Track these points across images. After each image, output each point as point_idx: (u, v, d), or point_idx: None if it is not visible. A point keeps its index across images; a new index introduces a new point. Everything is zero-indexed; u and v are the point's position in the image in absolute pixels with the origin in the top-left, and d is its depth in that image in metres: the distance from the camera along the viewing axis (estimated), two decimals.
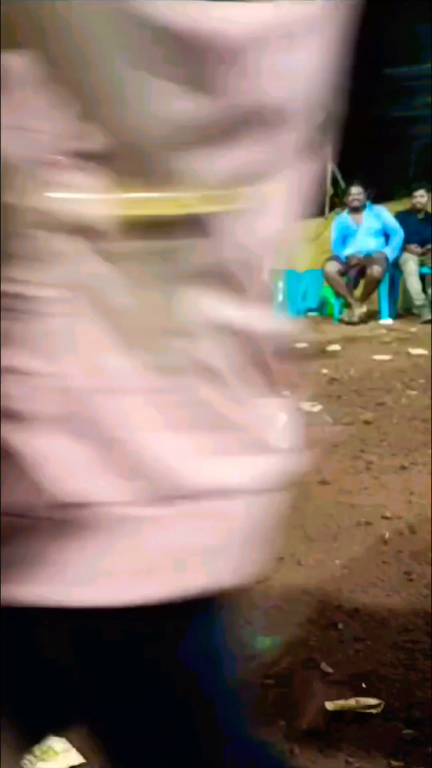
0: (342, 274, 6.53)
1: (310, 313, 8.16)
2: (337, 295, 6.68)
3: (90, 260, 0.48)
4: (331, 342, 5.43)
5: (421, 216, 6.81)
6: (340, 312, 6.71)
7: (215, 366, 0.52)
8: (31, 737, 0.73)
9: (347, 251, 6.52)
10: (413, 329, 5.82)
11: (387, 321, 6.38)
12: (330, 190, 9.70)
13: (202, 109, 0.47)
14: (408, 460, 2.67)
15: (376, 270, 6.29)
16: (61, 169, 0.46)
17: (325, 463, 2.68)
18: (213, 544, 0.53)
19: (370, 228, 6.52)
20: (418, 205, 6.81)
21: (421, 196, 6.79)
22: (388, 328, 5.95)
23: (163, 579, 0.52)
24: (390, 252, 6.44)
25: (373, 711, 1.34)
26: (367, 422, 3.18)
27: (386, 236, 6.55)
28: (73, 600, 0.51)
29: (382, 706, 1.35)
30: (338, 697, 1.38)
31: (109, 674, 0.57)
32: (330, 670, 1.47)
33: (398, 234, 6.47)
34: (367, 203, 6.65)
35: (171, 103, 0.46)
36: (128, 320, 0.49)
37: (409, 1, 7.71)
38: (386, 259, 6.40)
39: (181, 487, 0.51)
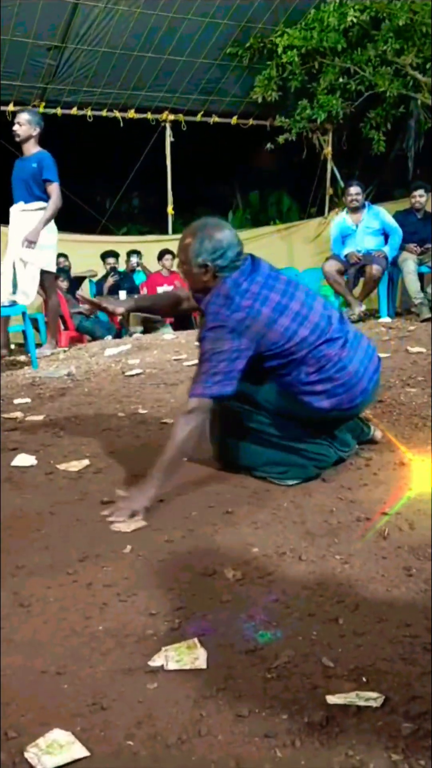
0: (341, 273, 6.54)
1: None
2: (337, 294, 6.69)
3: None
4: None
5: (420, 215, 6.82)
6: (340, 310, 6.71)
7: None
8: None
9: (346, 251, 6.53)
10: (412, 328, 5.83)
11: (386, 319, 6.39)
12: (329, 190, 9.71)
13: None
14: (407, 457, 2.68)
15: (375, 269, 6.29)
16: None
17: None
18: None
19: (369, 228, 6.53)
20: (417, 205, 6.82)
21: (420, 196, 6.80)
22: (387, 327, 5.96)
23: None
24: (389, 251, 6.45)
25: (374, 705, 1.35)
26: (366, 419, 3.19)
27: (385, 236, 6.56)
28: None
29: (382, 699, 1.36)
30: (339, 691, 1.39)
31: None
32: (331, 664, 1.48)
33: (397, 233, 6.48)
34: (366, 203, 6.66)
35: None
36: None
37: None
38: (385, 258, 6.40)
39: None
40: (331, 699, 1.37)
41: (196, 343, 2.50)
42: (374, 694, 1.37)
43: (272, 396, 2.50)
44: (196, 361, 4.38)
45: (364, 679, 1.43)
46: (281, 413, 2.51)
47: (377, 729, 1.29)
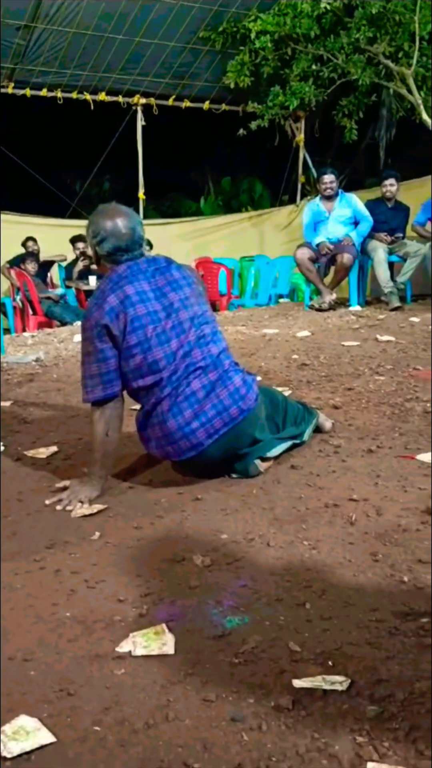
0: (313, 261, 6.55)
1: (281, 300, 8.20)
2: (308, 282, 6.71)
3: None
4: (301, 328, 5.47)
5: (390, 204, 6.85)
6: (311, 298, 6.74)
7: None
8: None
9: (318, 239, 6.53)
10: (382, 316, 5.88)
11: (356, 308, 6.43)
12: (302, 178, 9.71)
13: None
14: (375, 444, 2.70)
15: (346, 257, 6.32)
16: None
17: (294, 448, 2.70)
18: None
19: (341, 216, 6.54)
20: (388, 194, 6.84)
21: (391, 185, 6.82)
22: (358, 315, 6.00)
23: None
24: (356, 237, 6.47)
25: (339, 688, 1.36)
26: (335, 407, 3.21)
27: (356, 224, 6.58)
28: None
29: (348, 683, 1.38)
30: (305, 675, 1.41)
31: None
32: (297, 648, 1.50)
33: (367, 221, 6.50)
34: (339, 191, 6.66)
35: None
36: None
37: None
38: (354, 245, 6.43)
39: None
40: (298, 683, 1.38)
41: None
42: (340, 678, 1.39)
43: None
44: None
45: (330, 663, 1.44)
46: None
47: (343, 712, 1.30)
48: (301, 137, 9.47)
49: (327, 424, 2.87)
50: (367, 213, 6.53)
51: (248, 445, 2.45)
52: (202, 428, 2.32)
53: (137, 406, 2.49)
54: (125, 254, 2.38)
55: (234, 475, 2.47)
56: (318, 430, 2.82)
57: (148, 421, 2.39)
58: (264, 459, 2.49)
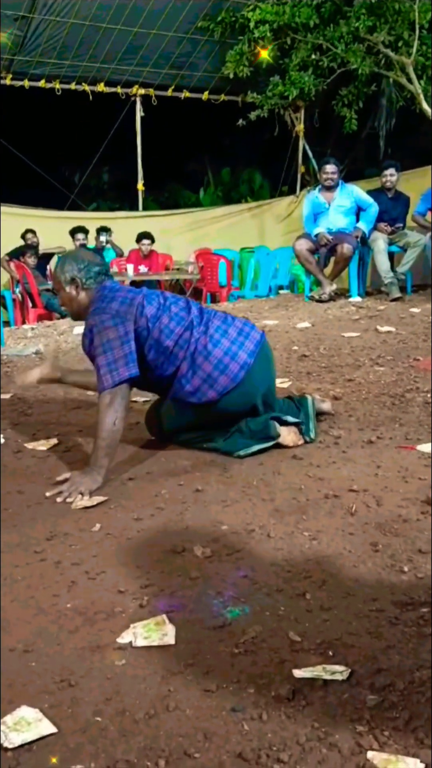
0: (312, 252, 6.53)
1: (282, 291, 8.19)
2: (308, 273, 6.69)
3: None
4: (301, 319, 5.46)
5: (390, 194, 6.82)
6: (311, 290, 6.72)
7: None
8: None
9: (318, 230, 6.51)
10: (382, 307, 5.87)
11: (356, 299, 6.41)
12: (301, 168, 9.68)
13: None
14: (375, 435, 2.71)
15: (346, 248, 6.30)
16: None
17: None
18: None
19: (341, 206, 6.52)
20: (388, 184, 6.81)
21: (391, 175, 6.80)
22: (358, 306, 5.99)
23: None
24: (365, 225, 6.45)
25: (339, 678, 1.37)
26: (336, 398, 3.21)
27: (357, 214, 6.56)
28: None
29: (348, 673, 1.38)
30: (306, 665, 1.41)
31: None
32: (298, 638, 1.50)
33: (372, 207, 6.47)
34: (340, 181, 6.63)
35: None
36: None
37: None
38: (358, 237, 6.41)
39: None
40: (298, 673, 1.38)
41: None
42: (340, 668, 1.39)
43: (173, 418, 2.68)
44: None
45: (330, 653, 1.45)
46: (191, 427, 2.67)
47: (343, 702, 1.31)
48: (300, 127, 9.43)
49: (324, 405, 2.94)
50: (370, 199, 6.50)
51: (273, 378, 2.74)
52: (241, 350, 2.57)
53: (140, 399, 2.50)
54: (105, 277, 2.68)
55: (241, 453, 2.56)
56: (322, 411, 2.92)
57: (188, 373, 2.53)
58: (283, 423, 2.64)
